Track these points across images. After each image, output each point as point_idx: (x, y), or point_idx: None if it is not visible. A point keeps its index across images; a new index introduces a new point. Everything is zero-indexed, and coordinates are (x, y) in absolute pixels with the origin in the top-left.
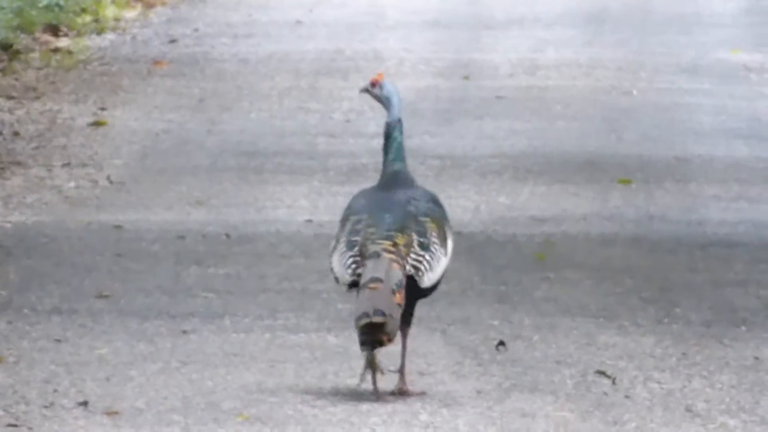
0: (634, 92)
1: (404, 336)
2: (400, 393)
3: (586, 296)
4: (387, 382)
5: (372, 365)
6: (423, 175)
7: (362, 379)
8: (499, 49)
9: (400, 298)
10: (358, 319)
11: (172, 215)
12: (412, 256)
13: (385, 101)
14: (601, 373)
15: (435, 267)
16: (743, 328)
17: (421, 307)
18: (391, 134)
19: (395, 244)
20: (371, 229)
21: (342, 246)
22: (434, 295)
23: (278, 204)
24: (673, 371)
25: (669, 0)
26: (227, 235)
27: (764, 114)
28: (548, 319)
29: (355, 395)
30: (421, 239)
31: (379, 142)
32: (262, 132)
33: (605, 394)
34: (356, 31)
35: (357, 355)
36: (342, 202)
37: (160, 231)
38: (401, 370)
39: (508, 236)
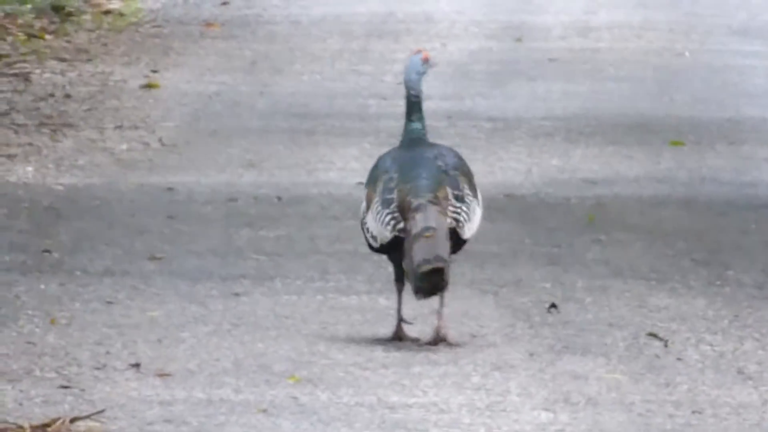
0: (687, 54)
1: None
2: (440, 341)
3: (638, 258)
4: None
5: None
6: (475, 138)
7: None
8: (551, 11)
9: (448, 246)
10: (419, 265)
11: (223, 177)
12: (450, 208)
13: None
14: (653, 335)
15: (473, 218)
16: None
17: (473, 269)
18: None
19: (436, 197)
20: (408, 185)
21: (377, 205)
22: (486, 256)
23: (329, 166)
24: (725, 333)
25: None
26: (278, 198)
27: None
28: (600, 281)
29: (407, 357)
30: (456, 192)
31: (431, 104)
32: (313, 94)
33: (657, 356)
34: None
35: (408, 318)
36: None
37: (211, 193)
38: (439, 322)
39: (559, 199)
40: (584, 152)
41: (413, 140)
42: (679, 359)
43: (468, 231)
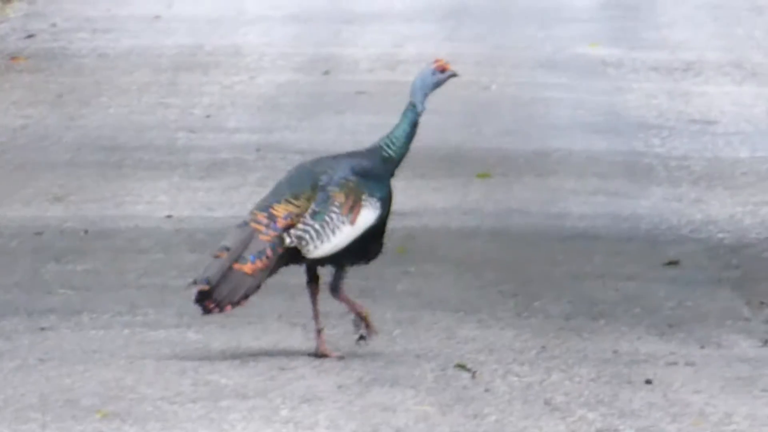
0: (494, 87)
1: (313, 295)
2: (319, 355)
3: (447, 290)
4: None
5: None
6: (284, 170)
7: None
8: (359, 44)
9: (251, 268)
10: (188, 285)
11: (30, 211)
12: (299, 226)
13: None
14: (461, 366)
15: (326, 237)
16: (602, 321)
17: (283, 302)
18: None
19: (270, 216)
20: (262, 201)
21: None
22: (295, 289)
23: (138, 199)
24: (533, 364)
25: None
26: (86, 231)
27: (622, 108)
28: (409, 312)
29: (216, 391)
30: (316, 209)
31: (240, 137)
32: (121, 127)
33: (465, 387)
34: (216, 26)
35: (217, 351)
36: (202, 197)
37: (17, 227)
38: (317, 332)
39: None
40: (393, 184)
41: (364, 150)
42: (487, 390)
43: (316, 250)
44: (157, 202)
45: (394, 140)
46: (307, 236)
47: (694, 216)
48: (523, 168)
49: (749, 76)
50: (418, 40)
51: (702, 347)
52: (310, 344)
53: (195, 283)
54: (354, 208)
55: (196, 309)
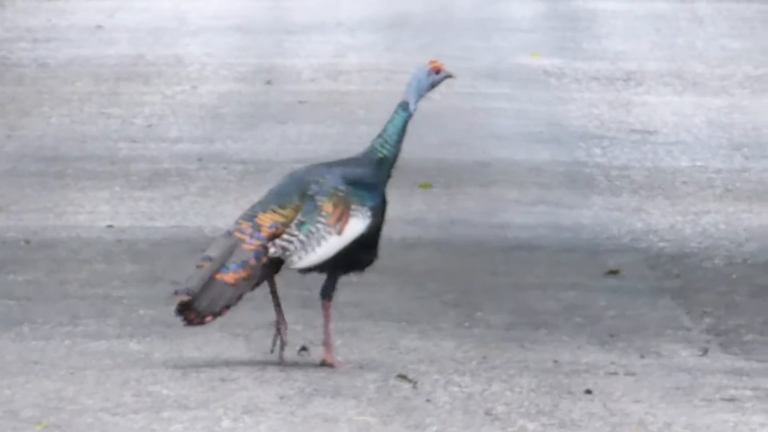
0: (437, 96)
1: (324, 309)
2: (326, 365)
3: (389, 300)
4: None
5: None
6: (226, 180)
7: (272, 349)
8: (301, 54)
9: (233, 278)
10: (170, 295)
11: None
12: (284, 236)
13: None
14: (403, 377)
15: (311, 247)
16: (543, 331)
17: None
18: (394, 114)
19: (254, 225)
20: (248, 211)
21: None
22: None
23: (79, 209)
24: (474, 375)
25: (469, 5)
26: (27, 241)
27: (564, 118)
28: (351, 323)
29: (157, 402)
30: (302, 219)
31: (181, 146)
32: (62, 137)
33: (406, 398)
34: (158, 36)
35: (159, 362)
36: (144, 207)
37: None
38: (324, 343)
39: None
40: None
41: (359, 155)
42: (428, 401)
43: (300, 260)
44: (98, 212)
45: (387, 138)
46: (291, 246)
47: (635, 225)
48: (465, 178)
49: (690, 86)
50: (360, 50)
51: (642, 357)
52: (252, 354)
53: (176, 293)
54: (342, 218)
55: (178, 320)
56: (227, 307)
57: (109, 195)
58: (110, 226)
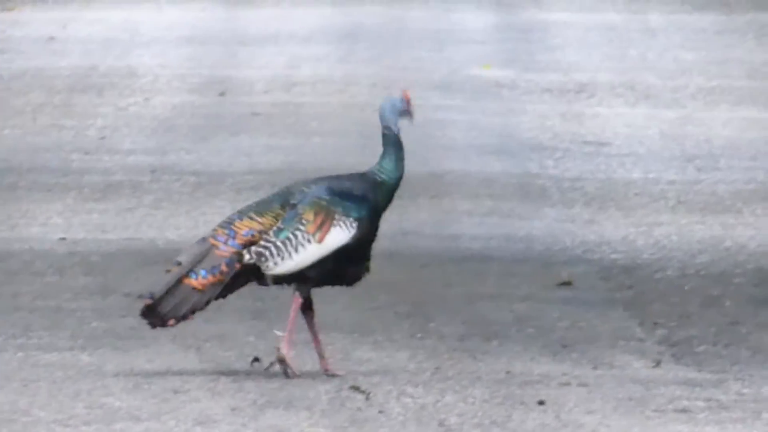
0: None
1: (308, 321)
2: (326, 373)
3: (342, 312)
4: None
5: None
6: (179, 192)
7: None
8: (255, 66)
9: (201, 283)
10: (135, 298)
11: None
12: (261, 242)
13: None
14: (356, 388)
15: (287, 254)
16: (496, 342)
17: (180, 325)
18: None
19: (231, 231)
20: (229, 217)
21: None
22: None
23: (32, 221)
24: (427, 386)
25: (421, 17)
26: None
27: (516, 130)
28: (303, 335)
29: (109, 414)
30: (281, 226)
31: (134, 158)
32: (15, 149)
33: (359, 409)
34: (111, 48)
35: (111, 374)
36: (97, 219)
37: None
38: (317, 351)
39: None
40: None
41: (358, 173)
42: (381, 412)
43: (276, 267)
44: (51, 225)
45: (382, 169)
46: (267, 252)
47: (588, 237)
48: (418, 189)
49: (642, 98)
50: (313, 61)
51: (595, 368)
52: (205, 366)
53: (140, 297)
54: (323, 226)
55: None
56: (193, 311)
57: (61, 207)
58: (63, 239)
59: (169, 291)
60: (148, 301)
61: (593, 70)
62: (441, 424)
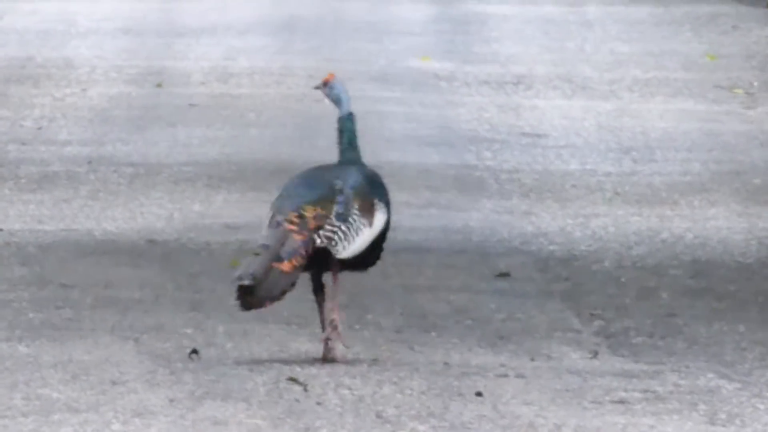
0: (326, 100)
1: (320, 304)
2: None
3: (279, 303)
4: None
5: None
6: (116, 183)
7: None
8: (192, 57)
9: (288, 266)
10: (233, 281)
11: None
12: (327, 227)
13: (335, 99)
14: (293, 380)
15: (354, 238)
16: (433, 333)
17: (113, 315)
18: (343, 127)
19: (300, 216)
20: (285, 202)
21: (266, 221)
22: (127, 303)
23: None
24: (364, 377)
25: (359, 8)
26: None
27: (454, 122)
28: (241, 326)
29: (47, 405)
30: (340, 211)
31: (71, 149)
32: None
33: (297, 400)
34: (47, 38)
35: (48, 365)
36: (33, 210)
37: None
38: (325, 338)
39: (201, 244)
40: (226, 197)
41: (342, 161)
42: (318, 403)
43: (344, 250)
44: None
45: (350, 146)
46: (336, 237)
47: (525, 228)
48: None
49: (579, 90)
50: (251, 53)
51: (532, 359)
52: (142, 357)
53: (240, 279)
54: (369, 211)
55: (236, 304)
56: (284, 293)
57: None
58: (1, 230)
59: (265, 274)
60: (249, 283)
61: (531, 63)
62: (378, 415)
